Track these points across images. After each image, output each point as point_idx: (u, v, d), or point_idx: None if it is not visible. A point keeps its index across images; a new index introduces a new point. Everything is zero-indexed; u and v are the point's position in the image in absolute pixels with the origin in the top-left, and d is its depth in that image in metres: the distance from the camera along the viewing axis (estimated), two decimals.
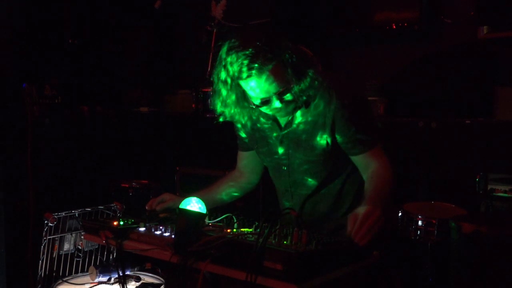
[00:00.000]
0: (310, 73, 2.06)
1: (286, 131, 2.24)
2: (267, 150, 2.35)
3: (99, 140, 3.87)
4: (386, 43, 3.79)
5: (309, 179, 2.29)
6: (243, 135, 2.41)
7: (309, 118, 2.18)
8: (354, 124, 2.14)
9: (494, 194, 2.79)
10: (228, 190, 2.53)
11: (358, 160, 2.21)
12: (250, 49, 1.96)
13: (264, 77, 1.98)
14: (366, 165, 2.19)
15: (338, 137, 2.18)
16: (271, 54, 1.96)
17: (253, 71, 1.96)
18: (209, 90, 3.71)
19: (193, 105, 4.13)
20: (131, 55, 4.60)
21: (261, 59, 1.95)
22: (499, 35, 3.15)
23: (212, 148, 3.84)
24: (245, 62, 1.95)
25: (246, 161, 2.52)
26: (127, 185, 3.55)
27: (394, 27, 3.62)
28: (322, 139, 2.18)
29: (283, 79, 2.02)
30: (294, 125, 2.21)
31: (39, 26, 3.86)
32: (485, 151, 3.02)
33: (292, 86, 2.04)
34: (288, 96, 2.07)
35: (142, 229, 2.09)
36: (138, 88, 4.55)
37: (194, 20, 4.50)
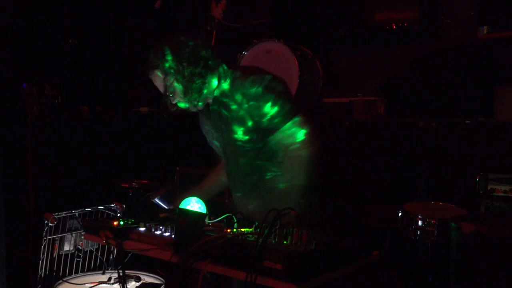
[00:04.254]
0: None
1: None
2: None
3: (99, 140, 3.86)
4: (386, 43, 3.79)
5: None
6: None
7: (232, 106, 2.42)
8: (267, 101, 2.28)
9: (494, 194, 2.79)
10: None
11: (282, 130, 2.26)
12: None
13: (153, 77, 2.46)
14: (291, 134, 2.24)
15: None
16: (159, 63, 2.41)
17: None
18: None
19: None
20: (131, 55, 4.60)
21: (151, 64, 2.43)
22: (499, 35, 3.16)
23: (212, 148, 3.83)
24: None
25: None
26: (127, 185, 3.54)
27: (394, 27, 3.62)
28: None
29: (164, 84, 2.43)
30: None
31: (39, 26, 3.86)
32: (485, 151, 3.02)
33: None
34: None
35: (142, 229, 2.09)
36: (138, 88, 4.55)
37: (194, 20, 4.50)
